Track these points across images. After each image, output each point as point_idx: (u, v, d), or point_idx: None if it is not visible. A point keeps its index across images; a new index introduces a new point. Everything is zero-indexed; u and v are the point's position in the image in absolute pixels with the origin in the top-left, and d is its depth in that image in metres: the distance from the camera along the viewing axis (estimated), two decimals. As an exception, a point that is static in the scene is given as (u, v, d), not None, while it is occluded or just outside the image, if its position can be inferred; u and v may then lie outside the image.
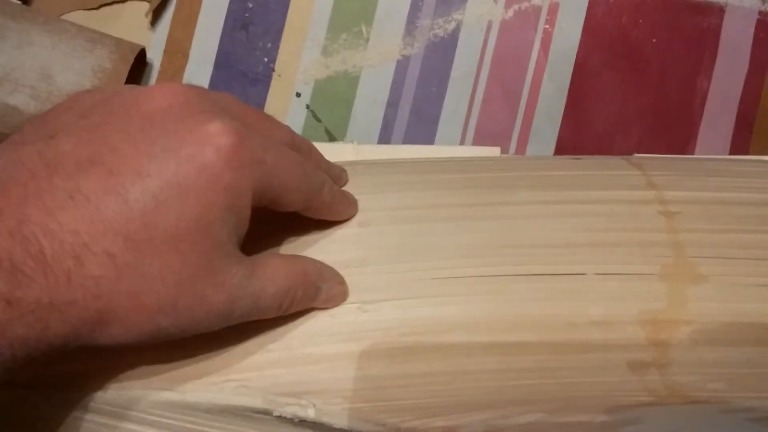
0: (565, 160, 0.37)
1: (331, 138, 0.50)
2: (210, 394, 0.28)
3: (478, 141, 0.50)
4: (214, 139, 0.25)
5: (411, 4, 0.51)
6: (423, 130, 0.50)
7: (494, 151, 0.45)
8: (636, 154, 0.41)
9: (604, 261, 0.31)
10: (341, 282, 0.30)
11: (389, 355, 0.28)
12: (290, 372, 0.28)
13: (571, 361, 0.28)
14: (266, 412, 0.27)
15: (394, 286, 0.30)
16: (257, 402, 0.27)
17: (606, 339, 0.29)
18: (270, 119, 0.30)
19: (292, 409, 0.27)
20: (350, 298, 0.30)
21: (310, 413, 0.27)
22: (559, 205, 0.33)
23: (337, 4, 0.50)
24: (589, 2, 0.51)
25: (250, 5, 0.50)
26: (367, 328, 0.29)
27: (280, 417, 0.27)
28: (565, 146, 0.50)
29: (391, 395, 0.27)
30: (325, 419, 0.26)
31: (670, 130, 0.51)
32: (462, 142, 0.50)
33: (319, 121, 0.50)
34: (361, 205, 0.32)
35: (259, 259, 0.27)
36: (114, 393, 0.28)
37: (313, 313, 0.29)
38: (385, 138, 0.50)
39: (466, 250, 0.31)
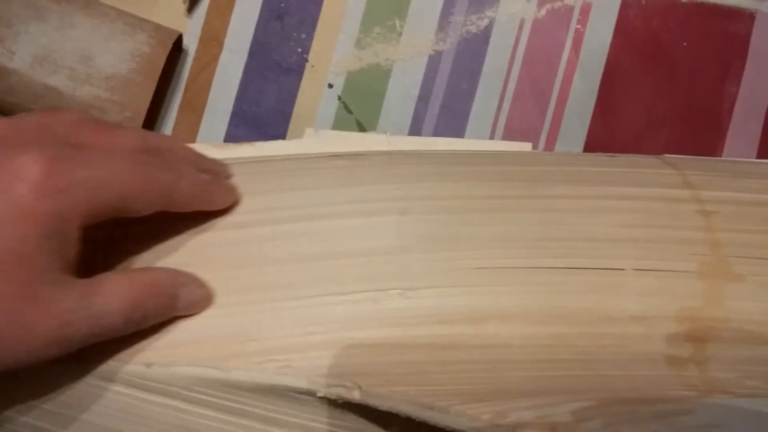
0: (599, 156, 0.38)
1: (362, 129, 0.50)
2: (254, 373, 0.28)
3: (507, 138, 0.51)
4: (22, 171, 0.25)
5: (445, 0, 0.51)
6: (453, 126, 0.51)
7: (525, 146, 0.46)
8: (667, 155, 0.41)
9: (642, 257, 0.31)
10: (201, 285, 0.30)
11: (429, 343, 0.29)
12: (333, 355, 0.28)
13: (609, 354, 0.29)
14: (310, 393, 0.28)
15: (434, 274, 0.30)
16: (301, 382, 0.28)
17: (644, 334, 0.29)
18: (112, 129, 0.30)
19: (337, 390, 0.27)
20: (391, 284, 0.30)
21: (356, 395, 0.27)
22: (596, 200, 0.33)
23: (371, -2, 0.51)
24: (621, 4, 0.51)
25: (286, -5, 0.50)
26: (407, 314, 0.29)
27: (322, 398, 0.28)
28: (594, 146, 0.51)
29: (434, 381, 0.27)
30: (371, 401, 0.27)
31: (698, 133, 0.51)
32: (491, 139, 0.51)
33: (351, 113, 0.50)
34: (401, 193, 0.33)
35: (96, 279, 0.27)
36: (158, 369, 0.28)
37: (354, 298, 0.30)
38: (414, 131, 0.51)
39: (504, 242, 0.31)
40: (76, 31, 0.45)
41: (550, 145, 0.51)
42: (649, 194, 0.33)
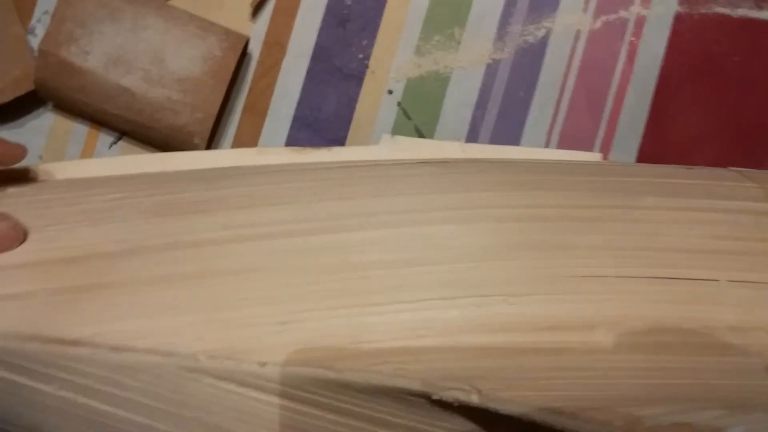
0: (678, 169, 0.38)
1: (420, 135, 0.51)
2: (368, 375, 0.28)
3: (561, 147, 0.52)
4: None
5: (503, 10, 0.52)
6: (509, 133, 0.51)
7: (595, 157, 0.46)
8: (743, 168, 0.42)
9: (735, 268, 0.32)
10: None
11: (537, 349, 0.29)
12: (445, 358, 0.29)
13: (712, 363, 0.29)
14: (424, 396, 0.28)
15: (535, 281, 0.31)
16: (416, 385, 0.28)
17: (742, 344, 0.30)
18: None
19: (454, 393, 0.28)
20: (495, 290, 0.31)
21: (474, 399, 0.27)
22: (686, 212, 0.34)
23: (431, 6, 0.51)
24: (675, 18, 0.52)
25: (349, 2, 0.51)
26: (513, 320, 0.30)
27: (434, 401, 0.28)
28: (647, 156, 0.51)
29: (550, 386, 0.28)
30: (491, 405, 0.27)
31: (747, 146, 0.52)
32: (546, 147, 0.51)
33: (410, 118, 0.51)
34: (496, 201, 0.33)
35: None
36: (272, 368, 0.29)
37: (460, 303, 0.30)
38: (471, 138, 0.51)
39: (602, 251, 0.32)
40: (149, 32, 0.45)
41: (603, 154, 0.52)
42: (735, 207, 0.34)
